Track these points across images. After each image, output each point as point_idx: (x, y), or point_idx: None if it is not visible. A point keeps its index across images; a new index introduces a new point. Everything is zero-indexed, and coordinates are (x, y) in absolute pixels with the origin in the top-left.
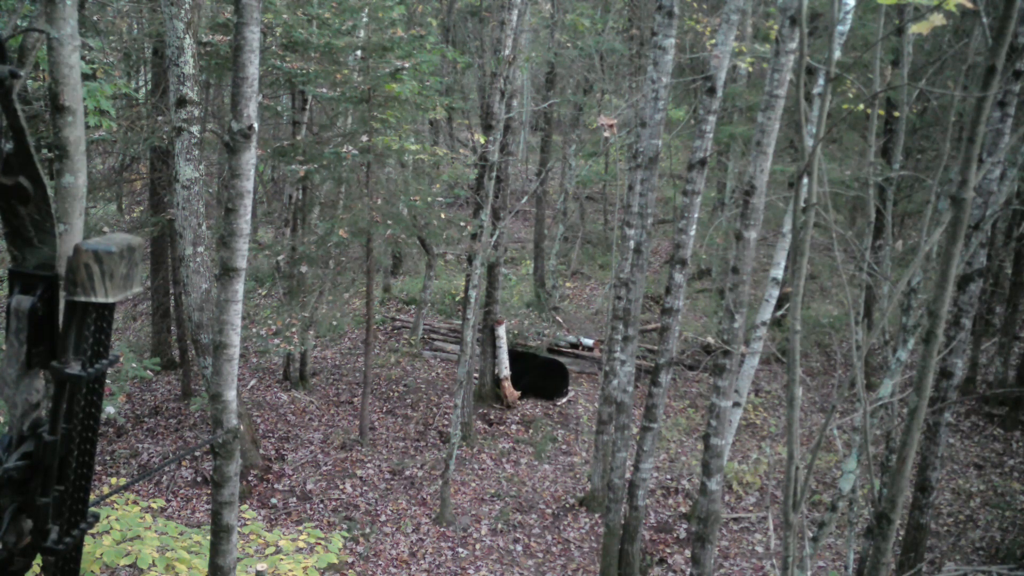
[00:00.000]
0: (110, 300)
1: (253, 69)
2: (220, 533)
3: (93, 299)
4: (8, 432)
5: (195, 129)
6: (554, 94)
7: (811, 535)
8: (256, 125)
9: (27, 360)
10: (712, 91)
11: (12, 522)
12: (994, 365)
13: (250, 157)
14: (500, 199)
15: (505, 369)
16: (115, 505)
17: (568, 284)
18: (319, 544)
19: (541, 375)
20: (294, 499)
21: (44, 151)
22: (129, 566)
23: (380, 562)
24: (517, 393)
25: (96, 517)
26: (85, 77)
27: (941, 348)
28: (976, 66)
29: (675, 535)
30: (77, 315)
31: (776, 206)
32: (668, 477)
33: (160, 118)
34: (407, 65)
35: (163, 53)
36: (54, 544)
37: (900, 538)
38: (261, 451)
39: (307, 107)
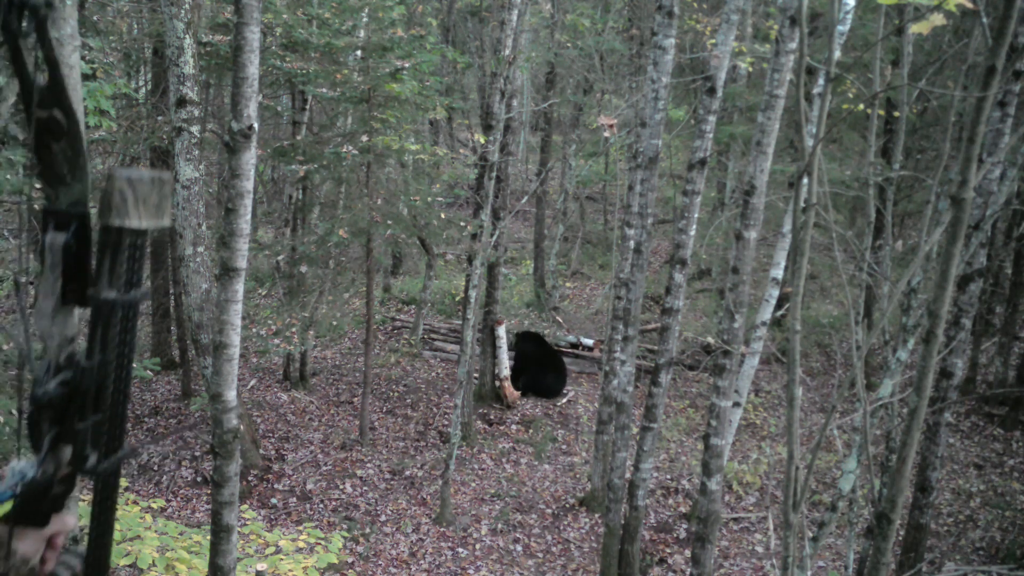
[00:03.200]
0: (143, 226)
1: (253, 69)
2: (220, 533)
3: (127, 224)
4: (46, 360)
5: (195, 129)
6: (554, 94)
7: (811, 535)
8: (256, 125)
9: (62, 295)
10: (712, 91)
11: (51, 450)
12: (994, 365)
13: (250, 157)
14: (500, 199)
15: (505, 369)
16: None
17: (568, 284)
18: (319, 544)
19: (542, 370)
20: (294, 499)
21: None
22: (129, 566)
23: (380, 562)
24: (517, 393)
25: (134, 449)
26: (85, 77)
27: (941, 348)
28: (976, 66)
29: (675, 535)
30: (111, 241)
31: (776, 206)
32: (668, 477)
33: (160, 118)
34: (407, 65)
35: (163, 53)
36: (93, 467)
37: (900, 538)
38: (261, 451)
39: (307, 107)
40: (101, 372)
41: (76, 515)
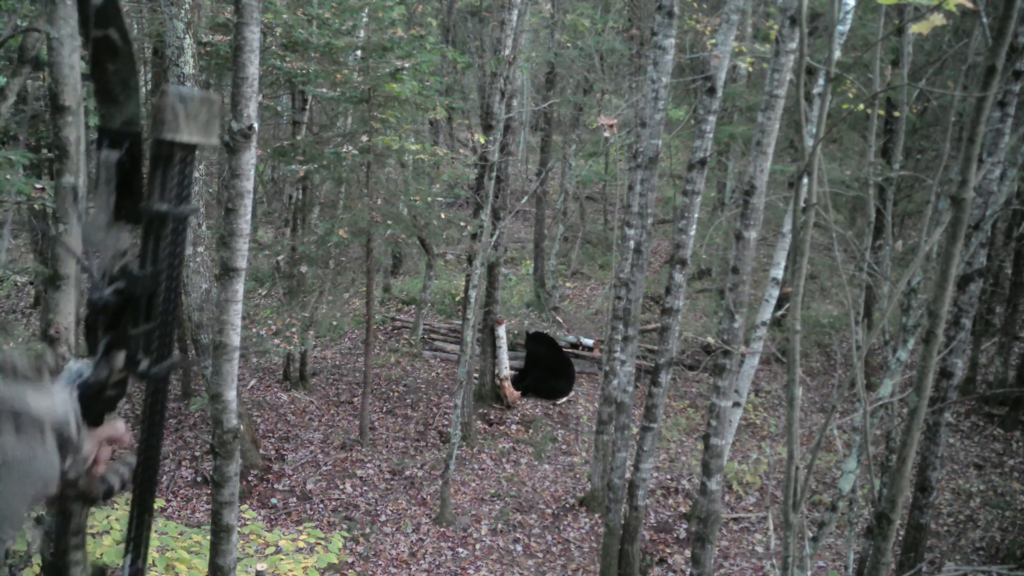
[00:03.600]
0: (193, 140)
1: (253, 69)
2: (220, 533)
3: (178, 138)
4: (101, 268)
5: None
6: (554, 94)
7: (811, 535)
8: (256, 125)
9: (115, 210)
10: (712, 91)
11: (105, 356)
12: (994, 365)
13: (250, 157)
14: (500, 199)
15: (505, 369)
16: (115, 505)
17: (568, 284)
18: (319, 544)
19: (550, 372)
20: (294, 499)
21: (44, 151)
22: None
23: (380, 562)
24: (517, 393)
25: (184, 359)
26: (85, 77)
27: (941, 348)
28: (976, 66)
29: (675, 535)
30: (163, 154)
31: (776, 206)
32: (668, 477)
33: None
34: (407, 65)
35: (163, 53)
36: (145, 371)
37: (900, 538)
38: (261, 451)
39: (307, 107)
40: (152, 282)
41: (124, 425)
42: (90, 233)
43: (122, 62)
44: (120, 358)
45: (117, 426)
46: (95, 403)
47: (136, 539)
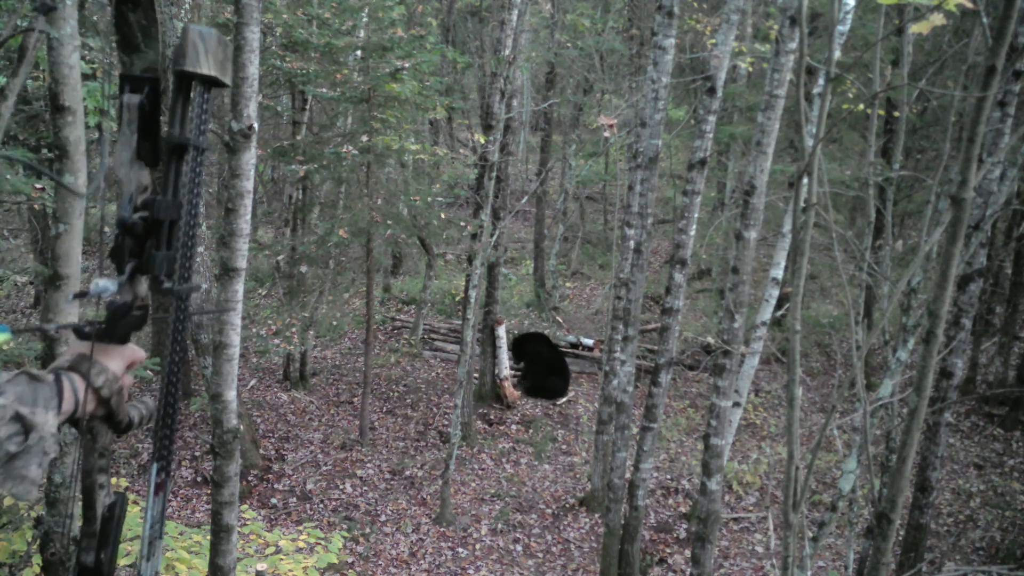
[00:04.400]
0: (211, 73)
1: (253, 69)
2: (220, 533)
3: (198, 70)
4: (127, 194)
5: None
6: (554, 94)
7: (811, 535)
8: (256, 125)
9: (137, 149)
10: (712, 91)
11: (130, 280)
12: (994, 365)
13: (250, 157)
14: (500, 199)
15: (505, 369)
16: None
17: (568, 284)
18: (319, 544)
19: (546, 372)
20: (294, 499)
21: (44, 151)
22: (129, 566)
23: (380, 562)
24: (517, 393)
25: (199, 287)
26: (85, 77)
27: (941, 348)
28: (976, 66)
29: (675, 535)
30: (184, 86)
31: (776, 206)
32: (668, 477)
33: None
34: (407, 65)
35: (163, 53)
36: (169, 288)
37: (900, 538)
38: (261, 451)
39: (307, 107)
40: (174, 209)
41: (142, 351)
42: (115, 168)
43: (143, 11)
44: (144, 285)
45: (138, 351)
46: (121, 322)
47: (160, 452)
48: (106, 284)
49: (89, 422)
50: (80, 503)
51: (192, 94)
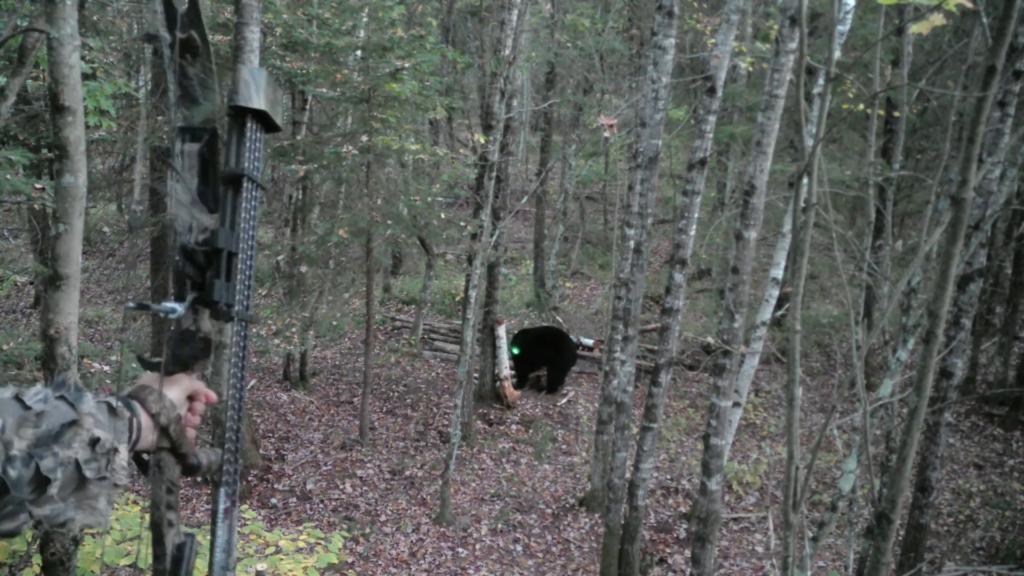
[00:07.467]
0: (263, 107)
1: None
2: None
3: (251, 105)
4: (188, 222)
5: None
6: (554, 94)
7: (811, 535)
8: None
9: (197, 191)
10: (712, 91)
11: (192, 307)
12: (994, 365)
13: None
14: (500, 199)
15: (505, 369)
16: (115, 505)
17: (568, 284)
18: (319, 544)
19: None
20: (294, 499)
21: (44, 151)
22: (129, 566)
23: (380, 562)
24: (517, 393)
25: (256, 316)
26: (85, 77)
27: (941, 348)
28: (976, 66)
29: (675, 535)
30: (239, 120)
31: (776, 206)
32: (668, 477)
33: (160, 118)
34: (407, 65)
35: (163, 53)
36: (231, 313)
37: (900, 538)
38: (261, 451)
39: (307, 107)
40: (233, 239)
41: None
42: (174, 208)
43: (202, 63)
44: (207, 320)
45: (198, 384)
46: (184, 346)
47: (227, 477)
48: (174, 306)
49: (155, 454)
50: (150, 537)
51: (245, 129)
